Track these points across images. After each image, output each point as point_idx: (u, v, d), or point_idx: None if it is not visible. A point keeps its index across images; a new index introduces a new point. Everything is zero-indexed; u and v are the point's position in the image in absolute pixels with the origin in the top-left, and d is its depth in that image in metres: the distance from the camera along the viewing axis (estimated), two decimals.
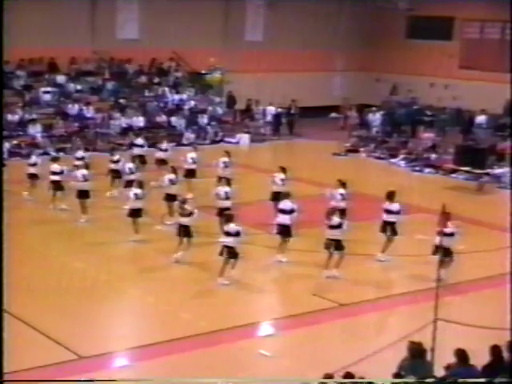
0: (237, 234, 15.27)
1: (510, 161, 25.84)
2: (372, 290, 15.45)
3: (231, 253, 15.26)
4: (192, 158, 22.04)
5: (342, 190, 18.40)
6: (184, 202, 16.83)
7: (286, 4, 35.26)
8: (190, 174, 21.78)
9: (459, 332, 12.02)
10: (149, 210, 18.54)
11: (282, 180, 19.65)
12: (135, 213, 17.93)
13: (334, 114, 34.94)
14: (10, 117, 27.78)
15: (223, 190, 18.47)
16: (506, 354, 9.86)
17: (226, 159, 21.40)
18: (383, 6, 35.83)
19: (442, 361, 10.11)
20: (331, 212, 16.33)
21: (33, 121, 28.41)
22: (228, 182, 19.38)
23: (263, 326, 13.92)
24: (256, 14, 35.87)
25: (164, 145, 24.18)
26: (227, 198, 18.27)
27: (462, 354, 9.74)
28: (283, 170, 19.91)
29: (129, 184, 19.82)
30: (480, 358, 9.86)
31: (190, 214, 16.35)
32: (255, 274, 16.13)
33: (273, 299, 15.47)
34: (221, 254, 15.29)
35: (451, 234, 15.10)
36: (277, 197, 19.23)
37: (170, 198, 19.26)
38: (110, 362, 12.24)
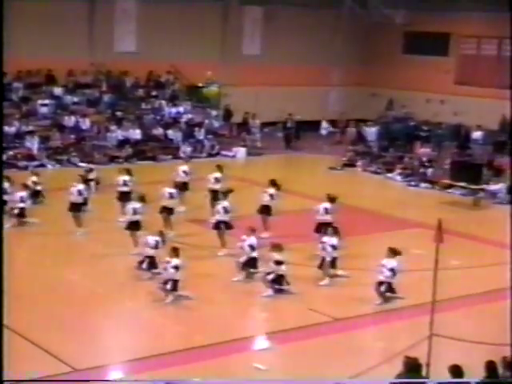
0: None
1: (510, 177, 25.85)
2: (367, 304, 15.44)
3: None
4: (184, 171, 22.01)
5: (327, 205, 18.39)
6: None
7: (284, 18, 35.44)
8: (182, 187, 21.70)
9: (455, 347, 12.03)
10: (147, 224, 18.51)
11: (271, 195, 19.65)
12: (134, 225, 17.95)
13: (330, 129, 35.02)
14: (6, 128, 27.81)
15: (222, 204, 18.50)
16: (500, 370, 9.87)
17: (217, 174, 21.35)
18: (380, 22, 35.98)
19: (437, 376, 10.11)
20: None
21: (30, 133, 28.42)
22: (219, 194, 19.45)
23: (258, 340, 13.90)
24: (253, 28, 36.02)
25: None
26: (226, 211, 18.29)
27: (456, 370, 9.73)
28: (273, 183, 19.93)
29: (122, 196, 19.87)
30: (475, 373, 9.85)
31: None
32: (250, 287, 16.12)
33: (268, 313, 15.45)
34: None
35: None
36: (265, 210, 19.42)
37: (167, 210, 19.33)
38: (105, 374, 12.21)
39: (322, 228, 17.87)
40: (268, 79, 34.96)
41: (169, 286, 14.92)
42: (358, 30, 37.92)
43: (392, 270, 15.36)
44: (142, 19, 32.67)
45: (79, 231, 19.27)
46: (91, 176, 22.76)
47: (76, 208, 19.43)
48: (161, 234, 16.52)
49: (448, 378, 9.77)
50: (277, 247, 15.79)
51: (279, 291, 15.60)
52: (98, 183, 22.88)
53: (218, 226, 18.19)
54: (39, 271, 16.64)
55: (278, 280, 15.57)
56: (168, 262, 15.07)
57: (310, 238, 18.17)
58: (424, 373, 10.14)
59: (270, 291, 15.53)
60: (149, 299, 15.20)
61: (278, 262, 15.55)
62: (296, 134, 34.15)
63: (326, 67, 37.24)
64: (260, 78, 34.69)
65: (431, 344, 10.60)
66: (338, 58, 37.33)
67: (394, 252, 15.51)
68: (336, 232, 16.80)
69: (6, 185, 20.21)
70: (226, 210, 18.21)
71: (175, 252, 15.21)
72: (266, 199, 19.62)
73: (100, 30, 31.74)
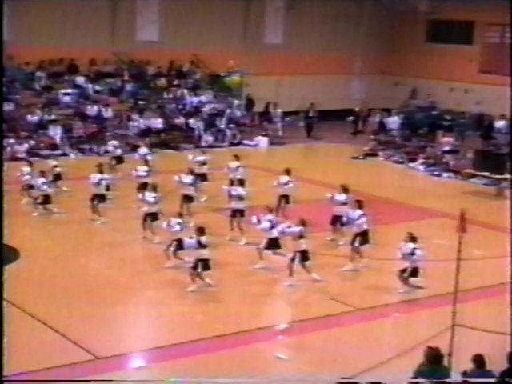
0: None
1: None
2: (389, 294, 15.38)
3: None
4: (202, 161, 21.96)
5: (342, 197, 18.21)
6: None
7: (306, 7, 35.25)
8: (201, 177, 21.62)
9: (477, 338, 11.93)
10: (165, 212, 18.54)
11: (287, 183, 19.59)
12: (151, 216, 18.00)
13: (352, 118, 34.85)
14: (29, 117, 27.99)
15: (237, 191, 18.51)
16: None
17: (236, 163, 21.28)
18: (403, 10, 35.70)
19: (459, 366, 10.04)
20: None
21: (52, 122, 28.52)
22: (241, 183, 19.40)
23: (279, 329, 13.88)
24: (276, 17, 35.88)
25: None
26: (241, 199, 18.30)
27: (479, 360, 9.66)
28: (287, 172, 19.83)
29: (142, 187, 19.87)
30: (498, 364, 9.78)
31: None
32: (271, 277, 16.10)
33: (289, 302, 15.43)
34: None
35: None
36: (283, 200, 19.38)
37: (187, 199, 19.38)
38: (127, 362, 12.26)
39: (338, 220, 17.86)
40: (290, 68, 34.84)
41: (200, 269, 14.86)
42: (381, 19, 37.67)
43: (412, 253, 15.27)
44: (164, 8, 32.65)
45: (99, 220, 19.34)
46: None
47: (98, 199, 19.51)
48: (180, 216, 16.52)
49: (470, 368, 9.72)
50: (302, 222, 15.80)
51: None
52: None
53: (234, 214, 18.23)
54: (61, 259, 16.70)
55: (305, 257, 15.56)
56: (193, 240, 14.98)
57: (331, 228, 18.14)
58: (446, 363, 10.08)
59: (291, 280, 15.49)
60: (170, 287, 15.23)
61: (301, 237, 15.56)
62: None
63: (349, 56, 37.07)
64: (282, 66, 34.58)
65: (453, 334, 10.52)
66: (360, 47, 37.16)
67: (412, 238, 15.44)
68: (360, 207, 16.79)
69: (27, 169, 20.39)
70: (240, 198, 18.22)
71: (201, 231, 15.15)
72: (281, 189, 19.58)
73: (122, 20, 31.76)
